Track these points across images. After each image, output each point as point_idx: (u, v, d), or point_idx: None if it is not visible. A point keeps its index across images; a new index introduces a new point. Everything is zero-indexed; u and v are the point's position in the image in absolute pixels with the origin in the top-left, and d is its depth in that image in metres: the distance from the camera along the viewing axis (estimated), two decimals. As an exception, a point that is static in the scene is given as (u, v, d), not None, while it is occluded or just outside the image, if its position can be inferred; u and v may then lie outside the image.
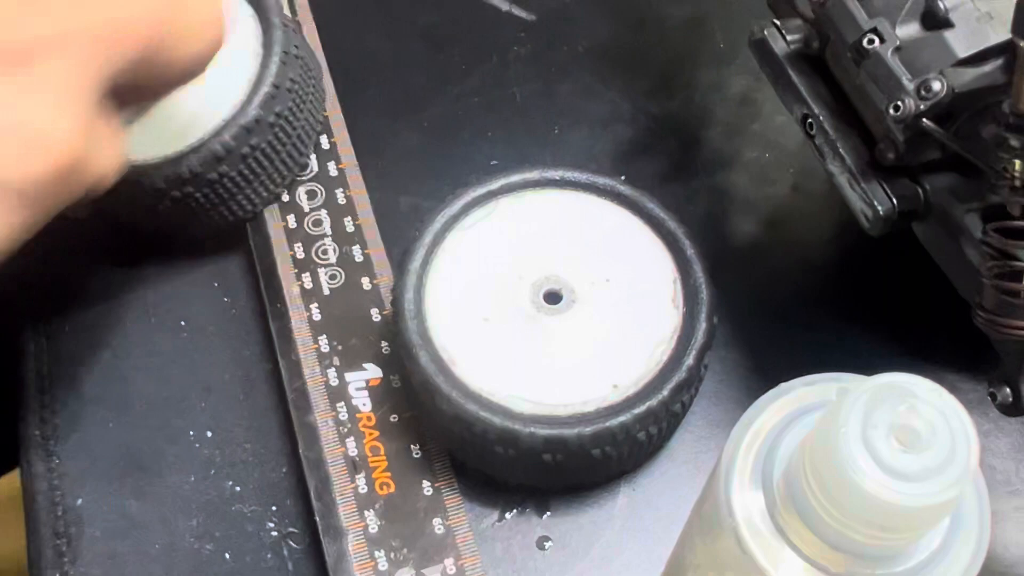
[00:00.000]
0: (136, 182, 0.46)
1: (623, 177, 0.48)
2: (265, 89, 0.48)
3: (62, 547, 0.46)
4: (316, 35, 0.57)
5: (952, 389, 0.45)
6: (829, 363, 0.49)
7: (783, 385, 0.28)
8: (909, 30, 0.38)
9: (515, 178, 0.47)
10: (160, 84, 0.41)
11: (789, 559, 0.26)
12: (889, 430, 0.24)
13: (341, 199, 0.51)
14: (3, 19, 0.35)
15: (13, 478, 0.77)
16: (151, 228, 0.51)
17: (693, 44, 0.58)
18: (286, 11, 0.57)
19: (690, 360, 0.42)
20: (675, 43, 0.58)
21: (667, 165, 0.54)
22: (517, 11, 0.61)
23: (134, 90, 0.39)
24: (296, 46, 0.51)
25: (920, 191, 0.39)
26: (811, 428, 0.26)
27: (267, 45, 0.50)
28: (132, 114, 0.45)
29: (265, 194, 0.51)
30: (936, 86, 0.36)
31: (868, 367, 0.28)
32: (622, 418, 0.41)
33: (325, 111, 0.53)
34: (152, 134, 0.47)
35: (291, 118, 0.50)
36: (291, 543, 0.46)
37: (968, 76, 0.36)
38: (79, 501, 0.47)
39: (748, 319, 0.49)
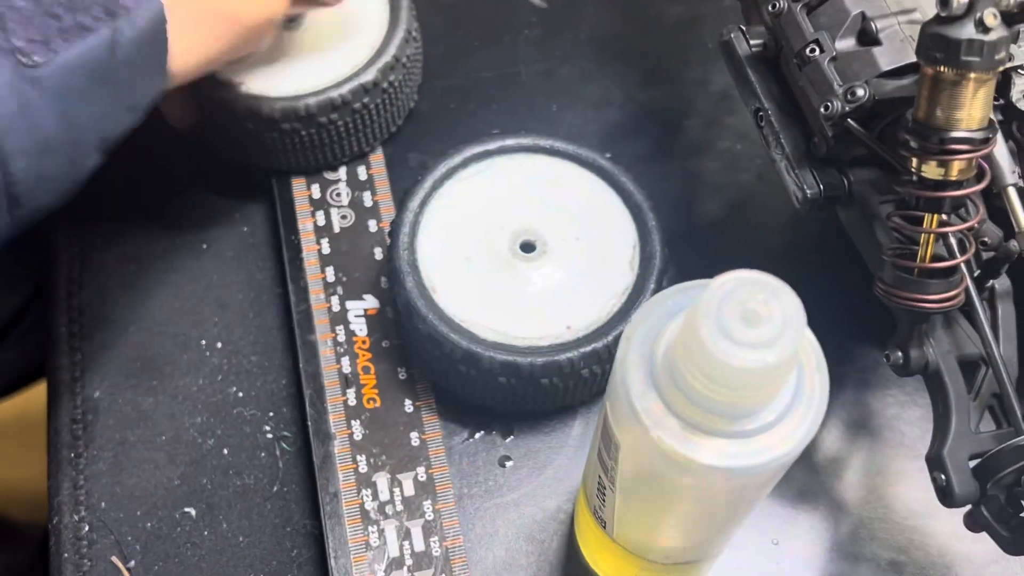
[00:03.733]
0: (255, 110, 0.52)
1: (608, 155, 0.54)
2: (386, 59, 0.54)
3: (78, 431, 0.51)
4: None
5: (877, 364, 0.52)
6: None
7: (663, 292, 0.34)
8: (846, 44, 0.43)
9: (510, 141, 0.52)
10: None
11: (664, 416, 0.32)
12: (737, 312, 0.29)
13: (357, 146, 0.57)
14: None
15: (34, 403, 0.83)
16: (247, 154, 0.56)
17: (684, 42, 0.63)
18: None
19: (637, 313, 0.48)
20: (668, 39, 0.63)
21: (648, 147, 0.59)
22: (532, -2, 0.65)
23: None
24: (416, 27, 0.56)
25: (845, 181, 0.44)
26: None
27: (393, 21, 0.55)
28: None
29: (356, 149, 0.56)
30: (860, 92, 0.41)
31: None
32: (570, 354, 0.46)
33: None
34: (280, 72, 0.53)
35: (399, 88, 0.55)
36: (283, 446, 0.51)
37: (889, 86, 0.41)
38: (96, 393, 0.52)
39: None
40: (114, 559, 0.49)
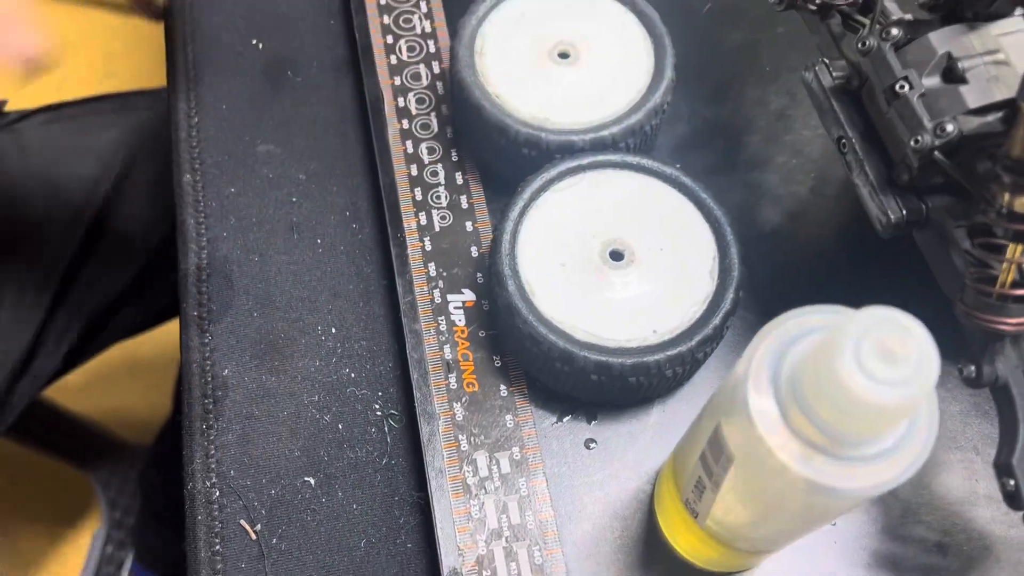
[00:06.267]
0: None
1: (678, 165, 0.49)
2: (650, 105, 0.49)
3: (209, 406, 0.48)
4: (443, 15, 0.56)
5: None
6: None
7: (794, 310, 0.30)
8: (932, 81, 0.38)
9: (601, 157, 0.47)
10: None
11: (788, 439, 0.28)
12: (875, 349, 0.25)
13: (455, 156, 0.52)
14: None
15: (167, 347, 0.82)
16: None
17: (745, 65, 0.58)
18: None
19: (716, 321, 0.43)
20: (731, 62, 0.58)
21: (713, 160, 0.54)
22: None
23: None
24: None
25: (923, 207, 0.40)
26: (814, 343, 0.28)
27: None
28: None
29: None
30: (949, 128, 0.36)
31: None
32: (656, 356, 0.42)
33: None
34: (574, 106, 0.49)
35: (650, 133, 0.50)
36: (391, 422, 0.47)
37: (974, 123, 0.37)
38: (225, 371, 0.49)
39: (765, 292, 0.50)
40: (242, 522, 0.45)
